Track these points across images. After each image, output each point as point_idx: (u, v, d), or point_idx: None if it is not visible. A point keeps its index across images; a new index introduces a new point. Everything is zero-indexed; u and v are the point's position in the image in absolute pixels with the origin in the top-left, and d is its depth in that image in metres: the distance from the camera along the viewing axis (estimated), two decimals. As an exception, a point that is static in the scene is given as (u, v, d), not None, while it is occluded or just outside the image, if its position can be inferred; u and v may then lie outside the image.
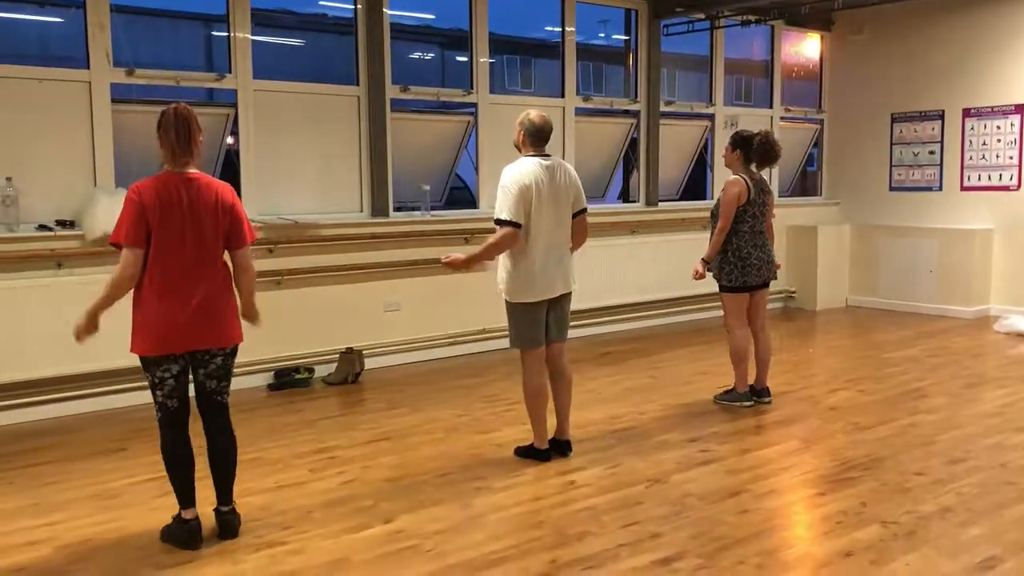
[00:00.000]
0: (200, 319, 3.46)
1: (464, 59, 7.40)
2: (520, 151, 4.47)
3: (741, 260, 5.34)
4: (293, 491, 4.15)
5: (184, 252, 3.44)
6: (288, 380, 6.12)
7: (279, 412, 5.56)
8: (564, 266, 4.50)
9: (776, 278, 5.62)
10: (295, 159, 6.36)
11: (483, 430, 5.09)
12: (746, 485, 4.18)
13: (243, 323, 3.66)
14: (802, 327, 8.48)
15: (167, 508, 3.91)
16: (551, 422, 4.59)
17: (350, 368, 6.22)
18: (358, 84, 6.60)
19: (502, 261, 4.48)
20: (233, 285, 3.61)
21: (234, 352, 3.64)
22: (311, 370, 6.24)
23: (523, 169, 4.35)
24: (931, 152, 9.01)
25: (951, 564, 3.34)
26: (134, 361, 5.55)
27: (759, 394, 5.54)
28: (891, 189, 9.34)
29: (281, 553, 3.45)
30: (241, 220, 3.61)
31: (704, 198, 9.42)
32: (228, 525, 3.62)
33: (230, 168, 6.30)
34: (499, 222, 4.34)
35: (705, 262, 5.42)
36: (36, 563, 3.39)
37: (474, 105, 7.25)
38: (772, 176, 8.93)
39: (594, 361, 6.86)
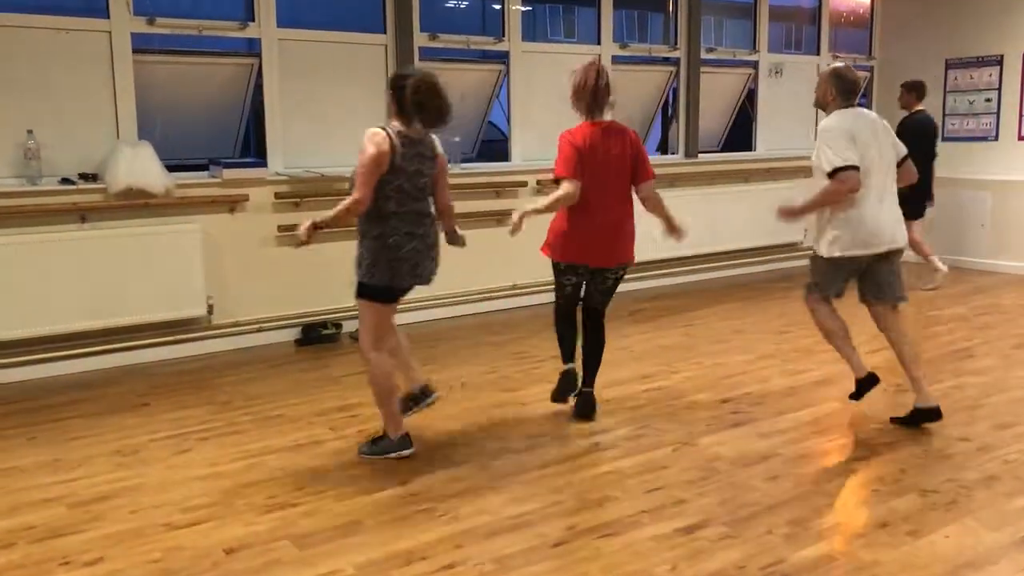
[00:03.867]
0: (606, 242, 4.29)
1: (499, 6, 7.16)
2: (827, 107, 4.30)
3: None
4: (311, 450, 4.08)
5: (600, 186, 4.20)
6: (315, 335, 6.05)
7: (304, 368, 5.49)
8: (895, 212, 4.30)
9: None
10: (321, 110, 6.21)
11: (509, 388, 4.97)
12: (778, 449, 4.01)
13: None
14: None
15: (183, 466, 3.91)
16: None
17: (377, 324, 6.12)
18: (385, 32, 6.41)
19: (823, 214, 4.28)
20: (634, 214, 4.36)
21: (625, 271, 4.45)
22: (339, 325, 6.16)
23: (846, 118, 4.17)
24: (987, 100, 8.58)
25: (995, 536, 3.16)
26: (160, 316, 5.58)
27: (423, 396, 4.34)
28: (943, 139, 8.92)
29: (294, 515, 3.38)
30: (644, 159, 4.33)
31: (748, 150, 9.10)
32: (585, 403, 4.46)
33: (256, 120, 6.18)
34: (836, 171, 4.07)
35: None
36: (49, 521, 3.36)
37: (506, 54, 7.02)
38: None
39: (627, 318, 6.68)
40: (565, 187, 4.15)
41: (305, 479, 3.73)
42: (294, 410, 4.63)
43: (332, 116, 6.28)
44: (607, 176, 4.22)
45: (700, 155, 8.23)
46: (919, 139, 7.62)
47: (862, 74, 9.43)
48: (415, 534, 3.22)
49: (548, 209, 4.21)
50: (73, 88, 5.33)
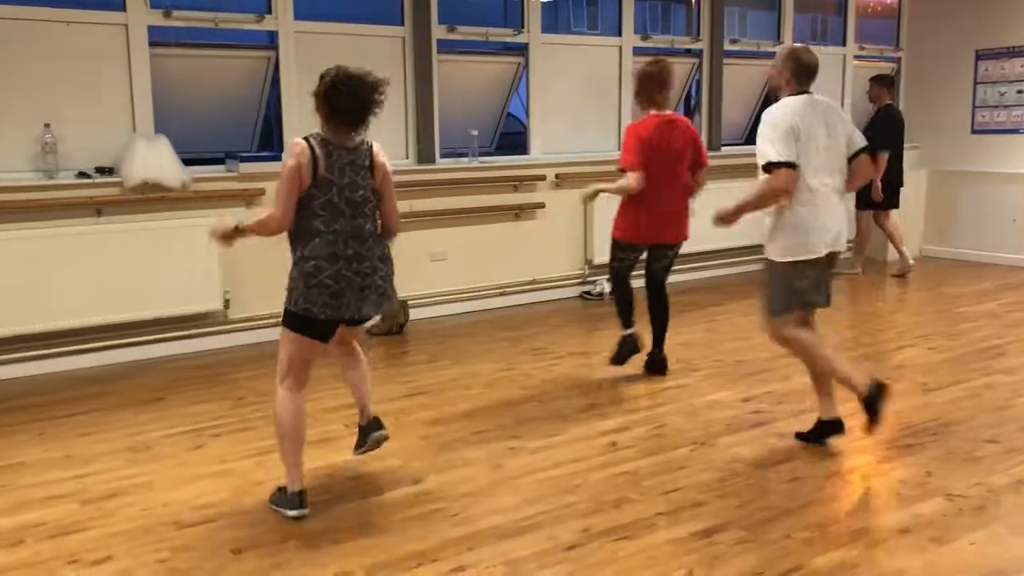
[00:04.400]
0: (669, 223, 4.81)
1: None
2: (780, 91, 3.97)
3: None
4: (325, 447, 4.03)
5: (664, 173, 4.68)
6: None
7: (319, 364, 5.36)
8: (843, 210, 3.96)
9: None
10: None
11: (525, 385, 4.90)
12: (799, 450, 3.91)
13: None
14: (872, 279, 8.05)
15: (195, 463, 3.87)
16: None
17: (394, 319, 6.08)
18: (403, 24, 6.35)
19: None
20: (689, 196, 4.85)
21: (680, 246, 4.97)
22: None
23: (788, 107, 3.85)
24: (1019, 91, 8.38)
25: (1023, 545, 3.05)
26: (175, 310, 5.56)
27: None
28: (973, 132, 8.75)
29: (303, 514, 3.33)
30: (701, 148, 4.89)
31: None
32: (658, 362, 5.00)
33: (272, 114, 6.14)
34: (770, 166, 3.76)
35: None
36: (59, 517, 3.33)
37: (525, 45, 6.93)
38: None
39: (647, 314, 6.57)
40: (629, 179, 4.65)
41: (316, 477, 3.68)
42: (307, 406, 4.55)
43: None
44: (670, 165, 4.72)
45: (723, 147, 8.11)
46: (899, 131, 7.75)
47: (887, 66, 9.27)
48: (426, 535, 3.16)
49: (614, 192, 4.80)
50: (90, 82, 5.32)
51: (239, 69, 6.02)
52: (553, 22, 19.13)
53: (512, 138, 7.89)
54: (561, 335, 6.03)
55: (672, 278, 7.61)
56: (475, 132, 6.64)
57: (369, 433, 3.67)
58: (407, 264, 6.33)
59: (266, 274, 5.81)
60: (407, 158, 6.48)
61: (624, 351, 4.99)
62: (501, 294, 6.81)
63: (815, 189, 3.80)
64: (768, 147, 3.76)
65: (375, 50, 6.30)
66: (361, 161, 3.26)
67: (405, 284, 6.30)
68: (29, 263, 5.00)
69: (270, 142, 6.31)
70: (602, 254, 7.28)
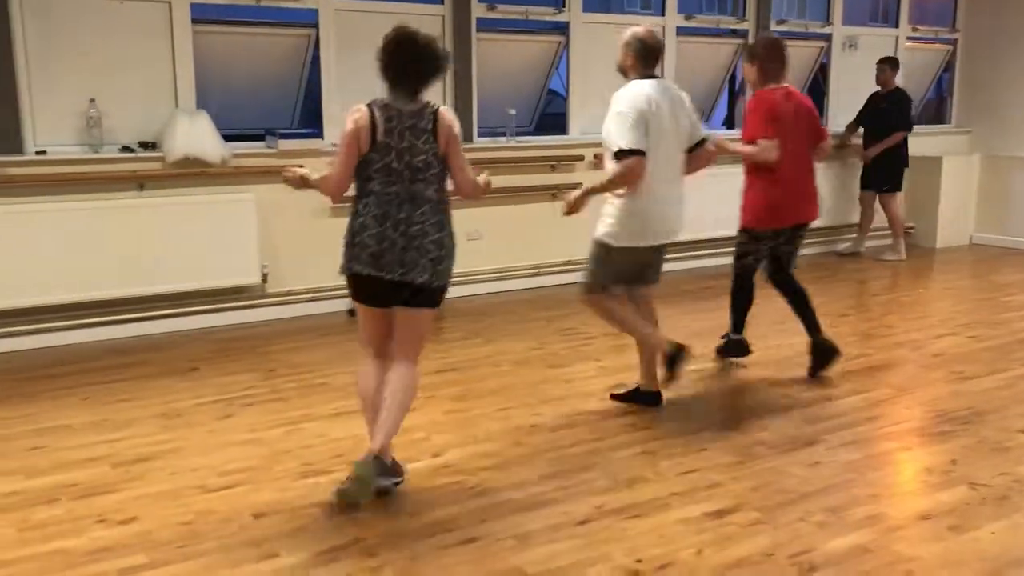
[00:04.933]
0: (806, 199, 4.64)
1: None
2: (627, 74, 3.98)
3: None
4: (351, 419, 4.08)
5: (794, 147, 4.48)
6: (367, 306, 6.08)
7: (353, 338, 5.40)
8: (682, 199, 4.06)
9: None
10: (375, 82, 6.17)
11: (554, 364, 4.92)
12: (823, 435, 3.88)
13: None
14: (917, 265, 7.89)
15: (224, 431, 3.98)
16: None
17: (429, 296, 6.13)
18: (443, 3, 6.37)
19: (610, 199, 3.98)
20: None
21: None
22: (391, 297, 6.18)
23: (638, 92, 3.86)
24: (1080, 75, 8.13)
25: (1044, 535, 3.00)
26: (214, 283, 5.66)
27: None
28: (1031, 116, 8.51)
29: (325, 482, 3.40)
30: (818, 120, 4.72)
31: (818, 125, 8.80)
32: (822, 350, 4.62)
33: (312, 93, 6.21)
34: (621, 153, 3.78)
35: None
36: (90, 479, 3.45)
37: (566, 24, 6.90)
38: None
39: (692, 295, 6.55)
40: (764, 146, 4.41)
41: (342, 447, 3.75)
42: (337, 379, 4.67)
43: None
44: (797, 138, 4.52)
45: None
46: (908, 113, 7.86)
47: (941, 47, 9.03)
48: (442, 506, 3.21)
49: (749, 156, 4.53)
50: (134, 58, 5.43)
51: (280, 47, 6.10)
52: (606, 1, 19.01)
53: (553, 119, 7.87)
54: (593, 316, 6.01)
55: (706, 262, 7.63)
56: (513, 111, 6.64)
57: (358, 477, 3.15)
58: (443, 242, 6.42)
59: (304, 250, 5.93)
60: (445, 137, 6.51)
61: (735, 351, 4.88)
62: (536, 274, 6.82)
63: (658, 177, 3.84)
64: (616, 133, 3.78)
65: (415, 27, 6.31)
66: (423, 125, 3.18)
67: (440, 262, 6.40)
68: (74, 235, 5.14)
69: (310, 119, 6.39)
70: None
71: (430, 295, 3.24)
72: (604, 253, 4.02)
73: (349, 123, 3.18)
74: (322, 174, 3.32)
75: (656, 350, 4.16)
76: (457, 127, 3.26)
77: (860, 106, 8.11)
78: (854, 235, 8.26)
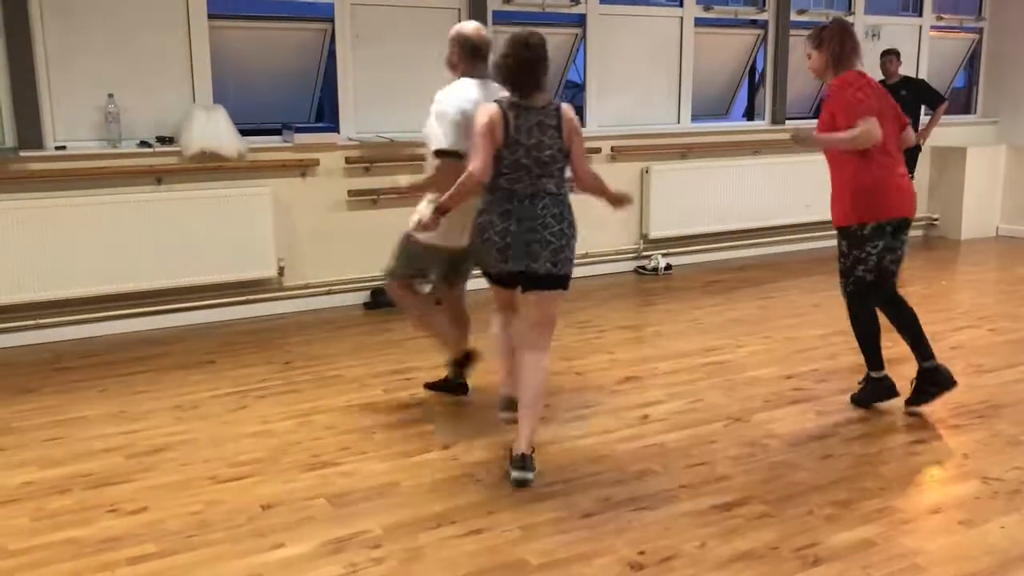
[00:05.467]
0: (910, 189, 4.02)
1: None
2: (455, 72, 3.82)
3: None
4: (361, 411, 4.13)
5: (889, 132, 3.89)
6: (384, 299, 6.05)
7: (369, 331, 5.57)
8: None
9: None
10: (392, 75, 6.22)
11: (566, 357, 4.91)
12: (836, 428, 3.85)
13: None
14: (941, 257, 7.80)
15: (237, 422, 4.01)
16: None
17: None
18: (459, -4, 6.38)
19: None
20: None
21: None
22: (407, 290, 6.20)
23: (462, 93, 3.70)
24: (1108, 63, 7.97)
25: (1055, 530, 2.95)
26: (231, 276, 5.71)
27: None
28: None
29: (332, 474, 3.43)
30: (897, 107, 4.06)
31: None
32: (944, 377, 3.95)
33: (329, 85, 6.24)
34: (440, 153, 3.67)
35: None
36: (105, 469, 3.50)
37: (582, 16, 6.88)
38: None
39: (700, 289, 6.53)
40: (866, 125, 3.73)
41: (351, 439, 3.78)
42: (351, 371, 4.70)
43: (404, 81, 6.28)
44: (890, 122, 3.95)
45: (788, 121, 7.92)
46: (933, 88, 7.86)
47: (967, 36, 8.88)
48: (449, 498, 3.23)
49: (850, 143, 3.80)
50: (152, 53, 5.48)
51: (296, 41, 6.13)
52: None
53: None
54: (608, 309, 6.02)
55: (728, 254, 7.59)
56: (530, 104, 6.62)
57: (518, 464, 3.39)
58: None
59: (320, 243, 5.97)
60: (461, 130, 6.51)
61: (878, 393, 4.08)
62: (553, 267, 6.81)
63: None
64: (439, 130, 3.64)
65: (431, 21, 6.32)
66: (549, 121, 3.35)
67: (456, 255, 6.41)
68: (92, 229, 5.20)
69: (326, 114, 6.42)
70: (659, 228, 7.29)
71: (556, 280, 3.43)
72: (410, 242, 4.02)
73: (483, 117, 3.33)
74: (450, 192, 3.38)
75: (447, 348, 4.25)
76: (577, 121, 3.45)
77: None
78: None
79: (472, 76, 3.77)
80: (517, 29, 3.47)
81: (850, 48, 4.04)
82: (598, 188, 3.52)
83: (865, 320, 4.03)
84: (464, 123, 3.55)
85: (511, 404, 3.68)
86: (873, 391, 4.09)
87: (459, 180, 3.35)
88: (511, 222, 3.33)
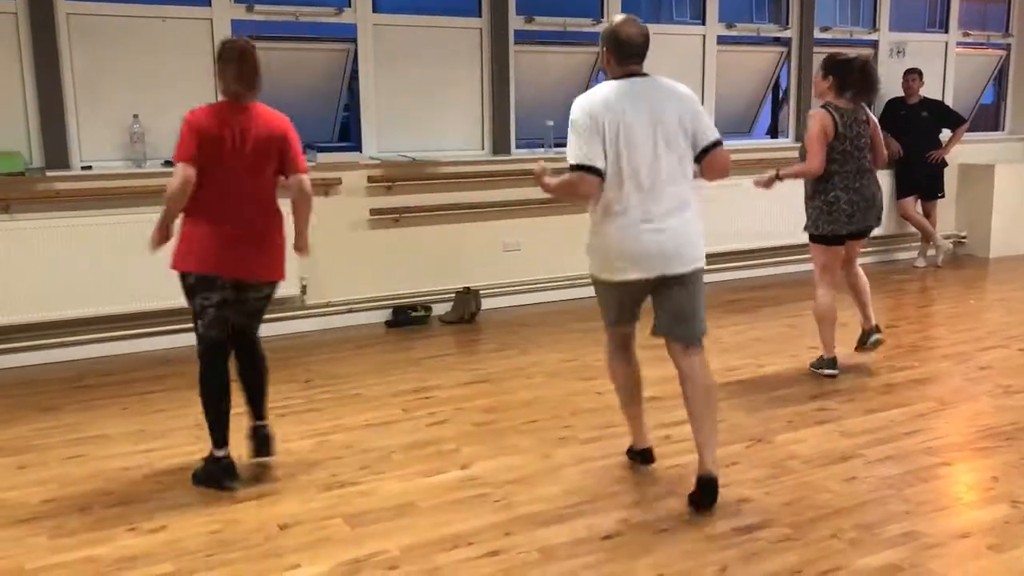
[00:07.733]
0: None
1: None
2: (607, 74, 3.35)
3: (828, 205, 4.63)
4: (381, 430, 4.12)
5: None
6: (405, 318, 6.12)
7: (389, 350, 5.56)
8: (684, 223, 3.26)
9: (878, 225, 4.83)
10: (415, 95, 6.25)
11: (587, 376, 4.88)
12: (860, 450, 3.78)
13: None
14: (969, 276, 7.69)
15: (255, 441, 3.98)
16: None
17: (465, 308, 6.15)
18: (480, 16, 6.40)
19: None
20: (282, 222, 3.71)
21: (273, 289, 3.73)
22: (428, 308, 6.21)
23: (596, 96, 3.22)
24: None
25: (1088, 556, 2.88)
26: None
27: (867, 336, 4.99)
28: (1087, 122, 8.24)
29: (351, 494, 3.42)
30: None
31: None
32: (262, 440, 3.65)
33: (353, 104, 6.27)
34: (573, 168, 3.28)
35: (777, 177, 4.78)
36: (125, 488, 3.52)
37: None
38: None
39: (722, 308, 6.46)
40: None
41: (369, 459, 3.77)
42: (371, 390, 4.69)
43: (428, 101, 6.32)
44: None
45: (811, 139, 7.86)
46: (951, 109, 8.03)
47: (994, 52, 8.78)
48: (466, 519, 3.20)
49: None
50: (176, 74, 5.55)
51: (319, 62, 6.18)
52: (655, 11, 18.89)
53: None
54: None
55: (753, 272, 7.52)
56: (551, 123, 6.63)
57: (869, 337, 4.96)
58: (480, 253, 6.45)
59: (342, 262, 5.99)
60: (482, 148, 6.53)
61: (215, 475, 3.52)
62: (572, 285, 6.78)
63: (630, 193, 3.22)
64: (569, 144, 3.25)
65: (453, 42, 6.36)
66: (861, 118, 4.68)
67: (478, 273, 6.42)
68: (117, 247, 5.25)
69: (350, 133, 6.46)
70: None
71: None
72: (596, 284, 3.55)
73: (815, 124, 4.56)
74: (795, 168, 4.77)
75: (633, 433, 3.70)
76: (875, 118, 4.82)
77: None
78: (923, 247, 8.04)
79: (621, 76, 3.25)
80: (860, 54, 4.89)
81: (853, 82, 4.68)
82: (884, 164, 5.12)
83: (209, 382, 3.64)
84: (600, 130, 3.20)
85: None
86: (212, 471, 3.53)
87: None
88: (852, 193, 4.66)
